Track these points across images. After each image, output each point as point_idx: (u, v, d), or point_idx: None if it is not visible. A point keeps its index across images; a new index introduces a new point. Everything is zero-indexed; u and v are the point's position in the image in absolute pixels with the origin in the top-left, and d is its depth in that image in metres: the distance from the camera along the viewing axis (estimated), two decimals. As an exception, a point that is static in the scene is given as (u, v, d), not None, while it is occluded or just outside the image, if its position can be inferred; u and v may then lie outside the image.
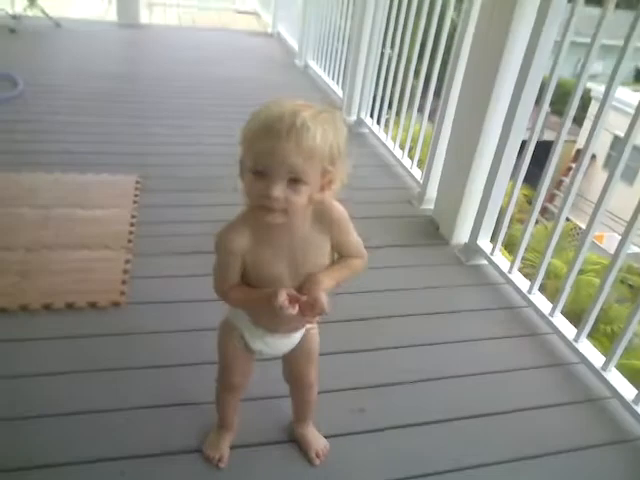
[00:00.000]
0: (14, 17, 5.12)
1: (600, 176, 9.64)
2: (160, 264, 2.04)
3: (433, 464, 1.40)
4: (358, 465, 1.38)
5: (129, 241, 2.15)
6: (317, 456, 1.36)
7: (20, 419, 1.40)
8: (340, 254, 1.11)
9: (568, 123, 1.84)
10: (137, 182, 2.59)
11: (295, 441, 1.40)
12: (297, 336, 1.22)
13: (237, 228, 1.04)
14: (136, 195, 2.49)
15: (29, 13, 5.34)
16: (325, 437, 1.41)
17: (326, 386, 1.41)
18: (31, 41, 4.75)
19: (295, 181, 0.92)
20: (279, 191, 0.91)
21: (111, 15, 6.00)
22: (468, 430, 1.51)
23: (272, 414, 1.47)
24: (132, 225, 2.26)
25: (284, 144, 0.88)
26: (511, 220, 2.18)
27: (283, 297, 1.00)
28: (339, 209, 1.06)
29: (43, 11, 5.34)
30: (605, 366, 1.71)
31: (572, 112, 1.82)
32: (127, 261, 2.02)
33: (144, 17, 6.04)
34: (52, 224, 2.22)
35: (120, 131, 3.17)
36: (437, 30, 2.62)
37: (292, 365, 1.29)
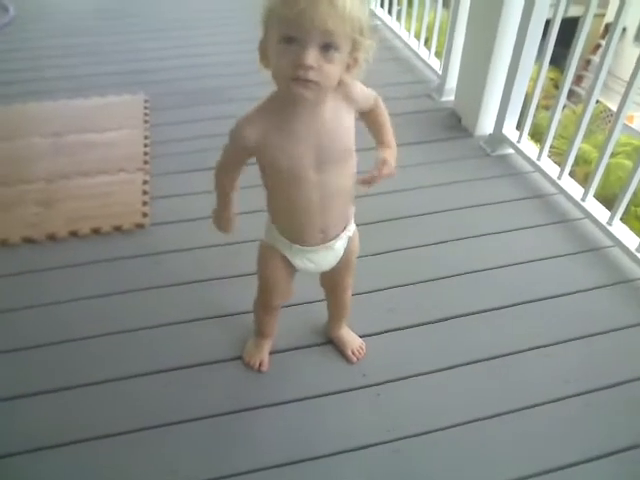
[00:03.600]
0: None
1: (630, 51, 9.01)
2: (178, 183, 2.01)
3: (475, 353, 1.41)
4: (395, 359, 1.41)
5: (145, 162, 2.11)
6: (353, 354, 1.39)
7: (61, 342, 1.44)
8: (363, 114, 1.10)
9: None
10: (146, 101, 2.50)
11: (332, 342, 1.43)
12: (339, 248, 1.17)
13: (252, 119, 1.00)
14: (146, 114, 2.41)
15: None
16: (360, 337, 1.43)
17: (359, 288, 1.41)
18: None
19: (328, 48, 0.87)
20: (313, 58, 0.86)
21: None
22: (503, 320, 1.51)
23: (307, 319, 1.49)
24: (146, 146, 2.21)
25: (316, 4, 0.83)
26: (537, 107, 2.06)
27: None
28: (359, 84, 1.03)
29: None
30: (640, 247, 1.67)
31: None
32: (145, 182, 2.00)
33: None
34: (65, 152, 2.18)
35: (117, 49, 3.04)
36: None
37: (330, 274, 1.26)
